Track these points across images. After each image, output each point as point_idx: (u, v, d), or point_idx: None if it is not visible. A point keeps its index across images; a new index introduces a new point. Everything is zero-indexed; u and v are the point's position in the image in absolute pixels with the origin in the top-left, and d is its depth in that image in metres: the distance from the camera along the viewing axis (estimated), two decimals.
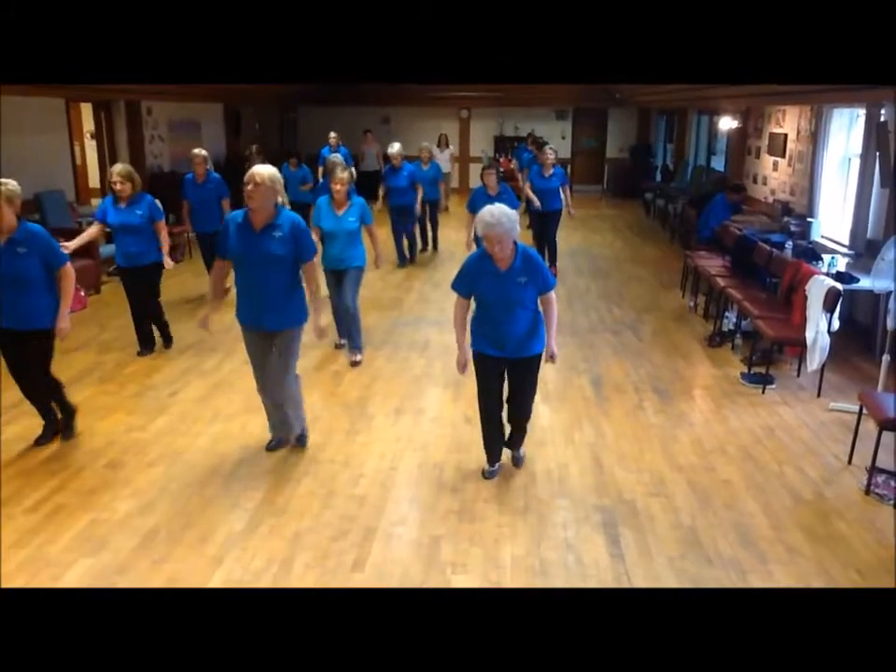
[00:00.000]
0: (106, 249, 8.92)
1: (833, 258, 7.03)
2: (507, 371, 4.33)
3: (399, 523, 4.02)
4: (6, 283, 4.42)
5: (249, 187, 4.17)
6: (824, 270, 6.67)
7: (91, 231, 6.46)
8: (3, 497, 4.18)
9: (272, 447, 4.80)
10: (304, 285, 4.49)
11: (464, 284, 4.22)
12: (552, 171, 9.46)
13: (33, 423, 4.93)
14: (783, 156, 10.03)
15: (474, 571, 3.60)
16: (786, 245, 7.64)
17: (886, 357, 5.23)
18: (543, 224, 9.59)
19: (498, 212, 3.94)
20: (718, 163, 13.69)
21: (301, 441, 4.84)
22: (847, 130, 8.59)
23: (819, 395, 5.80)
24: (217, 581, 3.49)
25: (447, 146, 14.97)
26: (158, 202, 6.43)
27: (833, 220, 8.63)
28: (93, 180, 11.49)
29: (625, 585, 3.50)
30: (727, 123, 12.03)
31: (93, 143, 11.63)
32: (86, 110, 11.70)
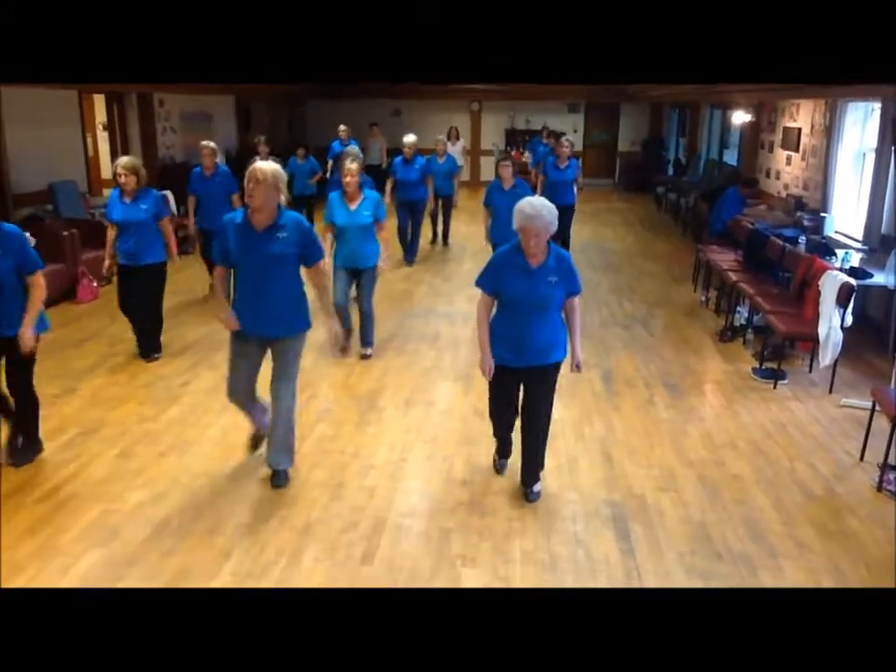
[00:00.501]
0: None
1: (846, 253, 6.99)
2: (523, 380, 4.07)
3: (408, 515, 4.02)
4: None
5: (250, 185, 3.87)
6: (837, 265, 6.62)
7: (111, 236, 6.14)
8: (14, 486, 4.21)
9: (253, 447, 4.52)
10: (314, 289, 4.21)
11: (490, 279, 3.96)
12: (567, 163, 9.37)
13: (46, 412, 4.95)
14: (797, 150, 9.96)
15: (483, 565, 3.60)
16: (799, 240, 7.59)
17: None
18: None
19: (539, 203, 3.77)
20: (730, 157, 13.61)
21: (277, 480, 4.28)
22: (861, 124, 8.51)
23: (831, 391, 5.77)
24: (225, 573, 3.50)
25: (458, 139, 14.82)
26: (170, 195, 6.39)
27: (846, 215, 8.56)
28: (105, 171, 11.51)
29: (635, 581, 3.50)
30: (740, 117, 11.95)
31: (106, 134, 11.67)
32: (98, 102, 11.73)
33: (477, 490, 4.28)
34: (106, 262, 6.22)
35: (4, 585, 3.32)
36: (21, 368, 4.30)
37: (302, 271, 4.15)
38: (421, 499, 4.21)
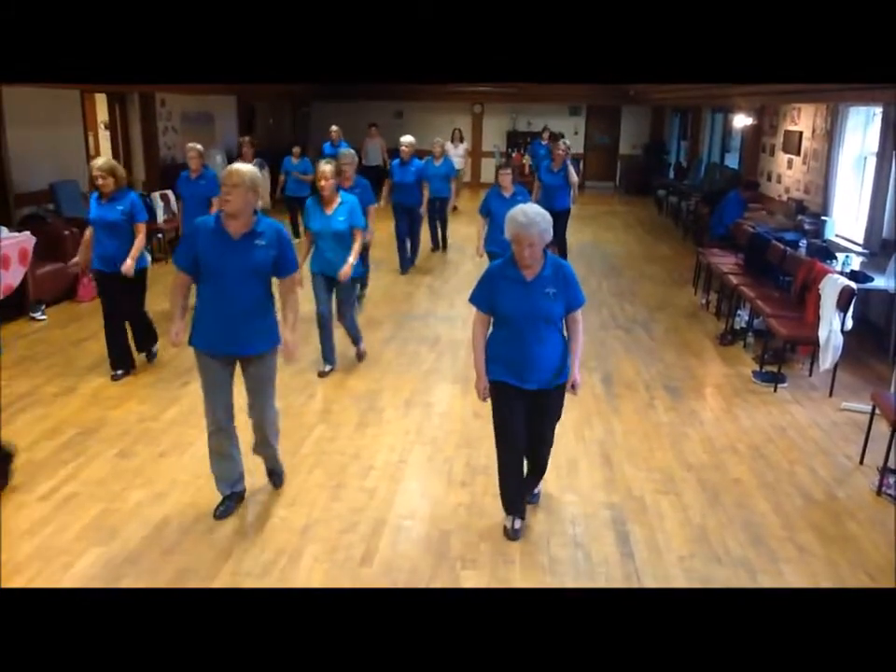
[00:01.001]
0: None
1: (847, 256, 6.99)
2: (527, 402, 3.72)
3: (408, 516, 4.02)
4: None
5: (226, 188, 3.60)
6: (838, 268, 6.63)
7: (87, 239, 5.80)
8: (16, 484, 4.21)
9: (221, 513, 3.97)
10: (282, 301, 3.91)
11: (484, 294, 3.68)
12: (561, 166, 9.06)
13: (45, 411, 4.97)
14: (798, 154, 9.96)
15: (483, 567, 3.60)
16: (800, 244, 7.60)
17: None
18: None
19: (533, 211, 3.51)
20: (732, 161, 13.62)
21: (276, 480, 4.29)
22: (863, 128, 8.52)
23: (831, 394, 5.77)
24: (225, 573, 3.50)
25: (461, 140, 14.74)
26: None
27: (847, 219, 8.57)
28: None
29: (635, 583, 3.50)
30: (742, 121, 11.96)
31: (107, 133, 11.66)
32: (100, 101, 11.73)
33: (477, 492, 4.27)
34: (76, 258, 5.93)
35: (4, 585, 3.32)
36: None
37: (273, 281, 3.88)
38: (421, 501, 4.21)
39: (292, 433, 4.93)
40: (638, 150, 18.70)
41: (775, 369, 6.07)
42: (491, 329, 3.75)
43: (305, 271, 5.39)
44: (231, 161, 10.46)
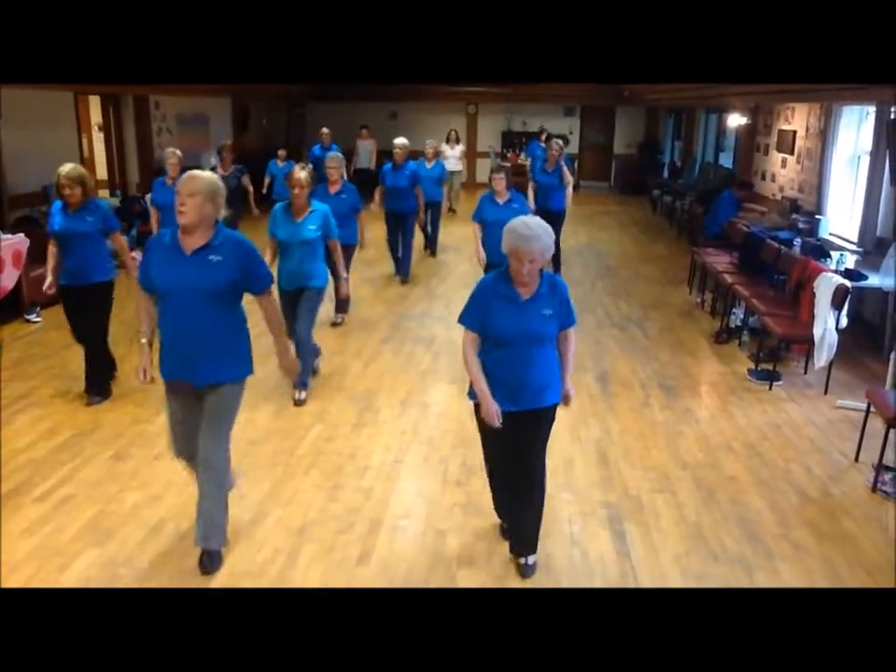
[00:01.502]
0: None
1: (841, 255, 7.00)
2: (517, 425, 3.44)
3: (404, 516, 4.02)
4: None
5: (180, 197, 3.23)
6: (833, 267, 6.65)
7: (53, 252, 5.33)
8: (12, 486, 4.20)
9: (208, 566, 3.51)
10: (265, 320, 3.58)
11: (475, 313, 3.35)
12: (555, 166, 8.87)
13: (42, 413, 4.96)
14: (792, 153, 9.99)
15: (479, 566, 3.60)
16: (794, 243, 7.62)
17: (894, 355, 5.21)
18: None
19: (535, 224, 3.21)
20: (726, 160, 13.64)
21: (208, 564, 3.51)
22: (856, 127, 8.54)
23: (826, 392, 5.79)
24: (222, 572, 3.50)
25: (458, 142, 14.32)
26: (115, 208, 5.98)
27: (841, 218, 8.59)
28: (101, 173, 11.50)
29: (631, 581, 3.50)
30: (736, 120, 11.99)
31: (101, 135, 11.64)
32: (94, 103, 11.71)
33: (473, 491, 4.28)
34: (49, 279, 5.29)
35: (2, 585, 3.32)
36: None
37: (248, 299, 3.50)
38: (417, 501, 4.21)
39: (289, 434, 4.94)
40: (633, 150, 18.74)
41: (770, 367, 6.08)
42: (482, 349, 3.40)
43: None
44: None
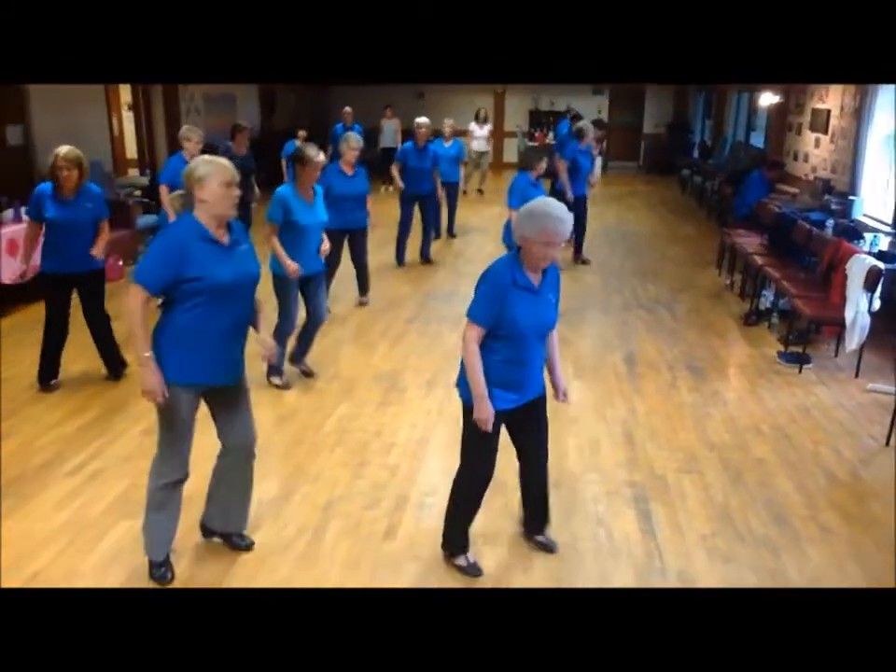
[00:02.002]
0: (144, 220, 9.03)
1: (875, 236, 6.89)
2: (515, 418, 3.31)
3: (430, 493, 4.04)
4: None
5: (229, 189, 3.02)
6: (866, 249, 6.53)
7: (33, 237, 5.18)
8: (42, 461, 4.28)
9: (161, 577, 3.30)
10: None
11: (493, 307, 3.04)
12: (586, 148, 8.61)
13: (70, 391, 5.03)
14: (825, 132, 9.81)
15: (503, 544, 3.62)
16: (826, 224, 7.49)
17: None
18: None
19: (559, 205, 3.04)
20: (757, 140, 13.43)
21: (242, 541, 3.57)
22: (892, 106, 8.35)
23: (857, 375, 5.71)
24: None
25: (486, 121, 13.80)
26: None
27: (875, 199, 8.44)
28: (131, 152, 11.60)
29: (656, 561, 3.50)
30: (767, 99, 11.79)
31: (131, 115, 11.72)
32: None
33: (498, 469, 4.26)
34: (28, 265, 5.29)
35: (37, 557, 3.39)
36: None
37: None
38: (443, 478, 4.21)
39: (315, 412, 4.98)
40: (662, 129, 18.52)
41: (800, 349, 6.01)
42: (490, 346, 3.12)
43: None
44: (252, 144, 10.40)
